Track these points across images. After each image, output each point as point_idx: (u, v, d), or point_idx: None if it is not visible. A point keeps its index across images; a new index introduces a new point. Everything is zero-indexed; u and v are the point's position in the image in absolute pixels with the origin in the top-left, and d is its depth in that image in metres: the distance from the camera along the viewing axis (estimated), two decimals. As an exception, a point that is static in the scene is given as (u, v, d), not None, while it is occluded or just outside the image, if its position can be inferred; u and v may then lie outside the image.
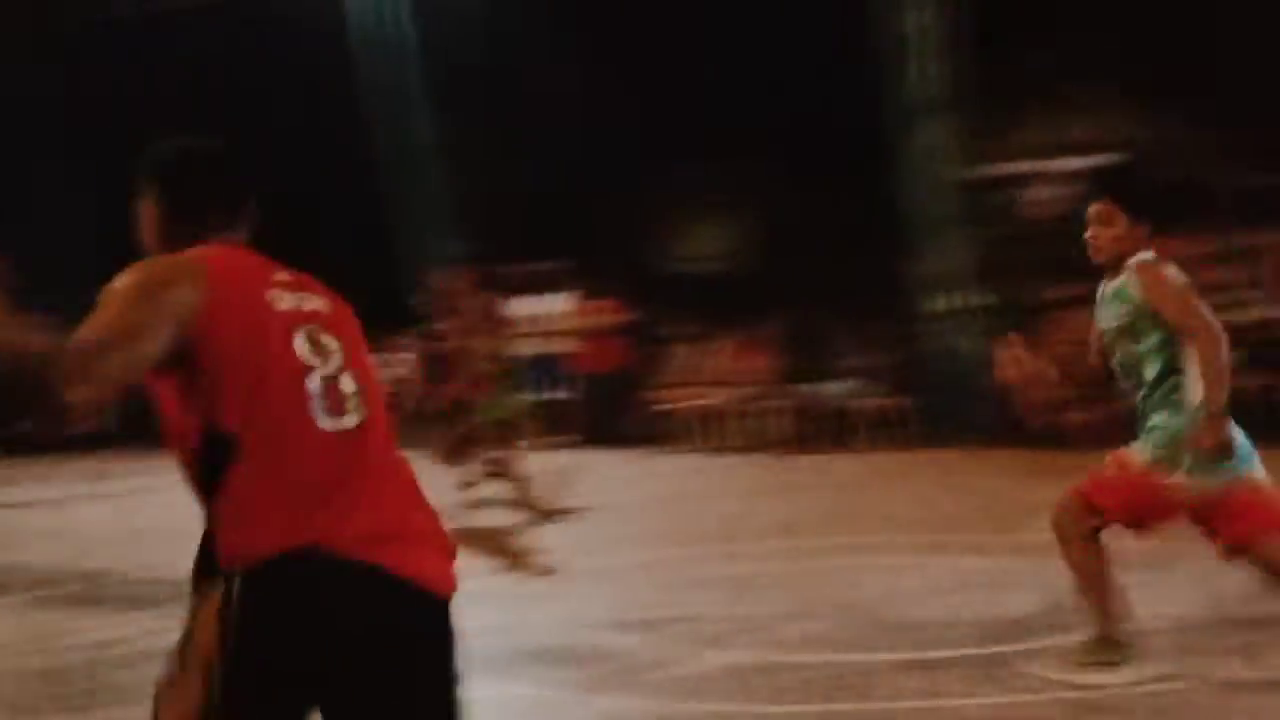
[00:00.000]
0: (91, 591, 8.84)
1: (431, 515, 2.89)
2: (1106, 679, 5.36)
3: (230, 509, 2.69)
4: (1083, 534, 5.40)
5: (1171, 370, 5.31)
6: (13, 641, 7.31)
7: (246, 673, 2.63)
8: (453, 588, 2.84)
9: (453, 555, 2.88)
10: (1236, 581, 6.10)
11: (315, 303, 2.92)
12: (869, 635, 6.43)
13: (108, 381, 2.59)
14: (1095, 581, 5.40)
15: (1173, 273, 5.38)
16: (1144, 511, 5.41)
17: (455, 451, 9.35)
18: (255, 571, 2.64)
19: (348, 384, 2.83)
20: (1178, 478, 5.27)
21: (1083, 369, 5.76)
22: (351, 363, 2.87)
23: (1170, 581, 6.94)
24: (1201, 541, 5.52)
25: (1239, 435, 5.29)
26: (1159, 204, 5.75)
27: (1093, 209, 5.50)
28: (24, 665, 6.70)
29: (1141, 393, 5.40)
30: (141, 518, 12.15)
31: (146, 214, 3.01)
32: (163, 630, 6.71)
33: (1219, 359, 5.20)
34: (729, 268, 18.38)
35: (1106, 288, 5.52)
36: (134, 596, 8.40)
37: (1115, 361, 5.50)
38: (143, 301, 2.68)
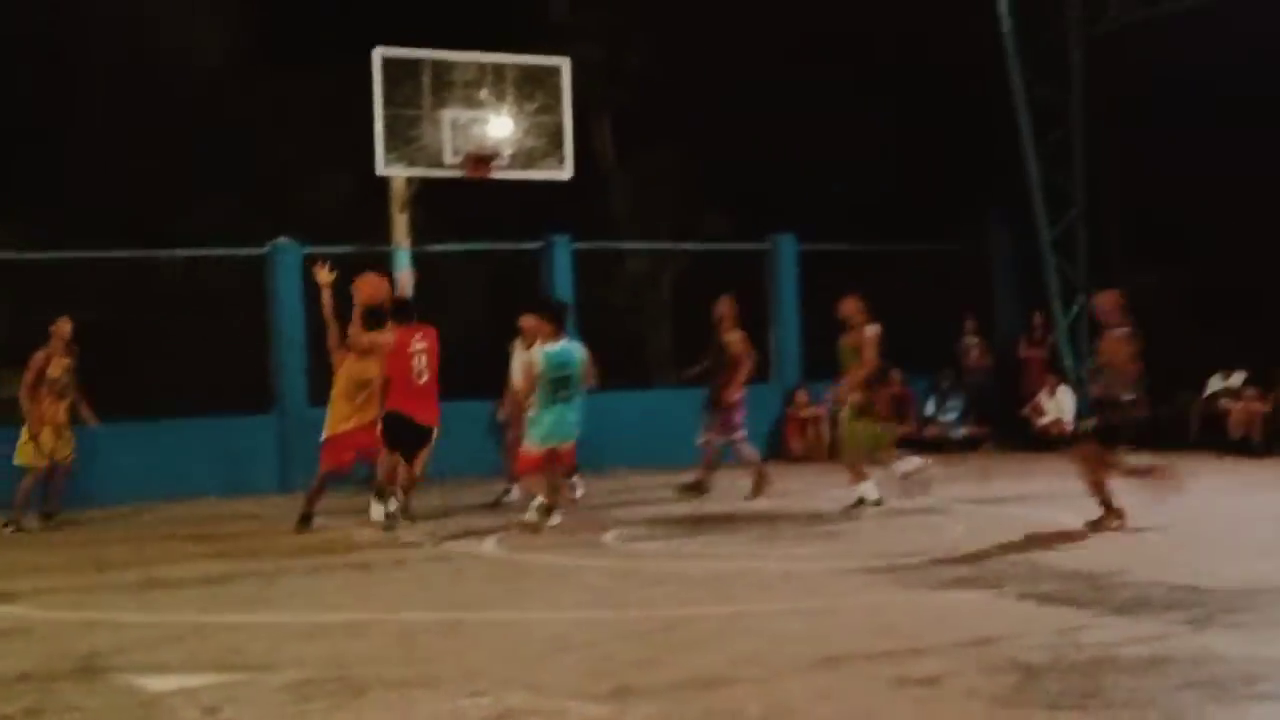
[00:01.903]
0: (1100, 592, 8.91)
1: (435, 408, 12.97)
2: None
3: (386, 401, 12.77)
4: None
5: None
6: (1017, 633, 7.77)
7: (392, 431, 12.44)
8: (434, 424, 12.89)
9: (434, 418, 13.06)
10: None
11: (423, 344, 12.48)
12: None
13: None
14: None
15: None
16: None
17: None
18: (390, 413, 12.40)
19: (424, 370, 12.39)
20: None
21: None
22: (428, 364, 12.28)
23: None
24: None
25: None
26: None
27: None
28: (1026, 659, 7.17)
29: None
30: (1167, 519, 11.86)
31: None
32: (1164, 637, 7.51)
33: None
34: None
35: None
36: (1144, 600, 8.65)
37: None
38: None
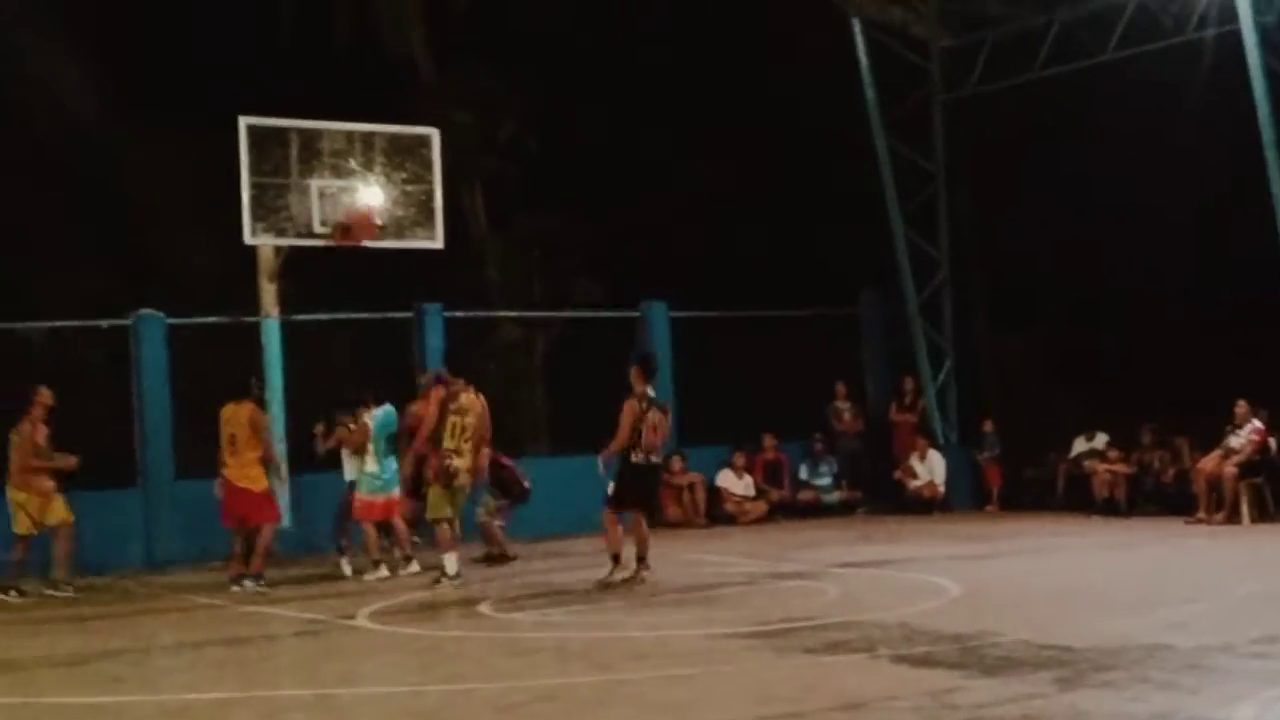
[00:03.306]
0: (971, 654, 8.92)
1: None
2: None
3: None
4: None
5: None
6: (891, 695, 7.86)
7: None
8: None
9: None
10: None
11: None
12: None
13: None
14: None
15: None
16: None
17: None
18: None
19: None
20: None
21: None
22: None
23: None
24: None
25: None
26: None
27: None
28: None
29: None
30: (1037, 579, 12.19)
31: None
32: (1035, 697, 7.54)
33: None
34: None
35: None
36: (1015, 660, 8.65)
37: None
38: None
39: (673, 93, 22.74)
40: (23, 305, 18.03)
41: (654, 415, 13.12)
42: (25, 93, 20.45)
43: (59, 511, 14.27)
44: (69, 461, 14.59)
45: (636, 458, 13.03)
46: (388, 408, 14.71)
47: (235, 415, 13.84)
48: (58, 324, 17.99)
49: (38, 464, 14.19)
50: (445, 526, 13.66)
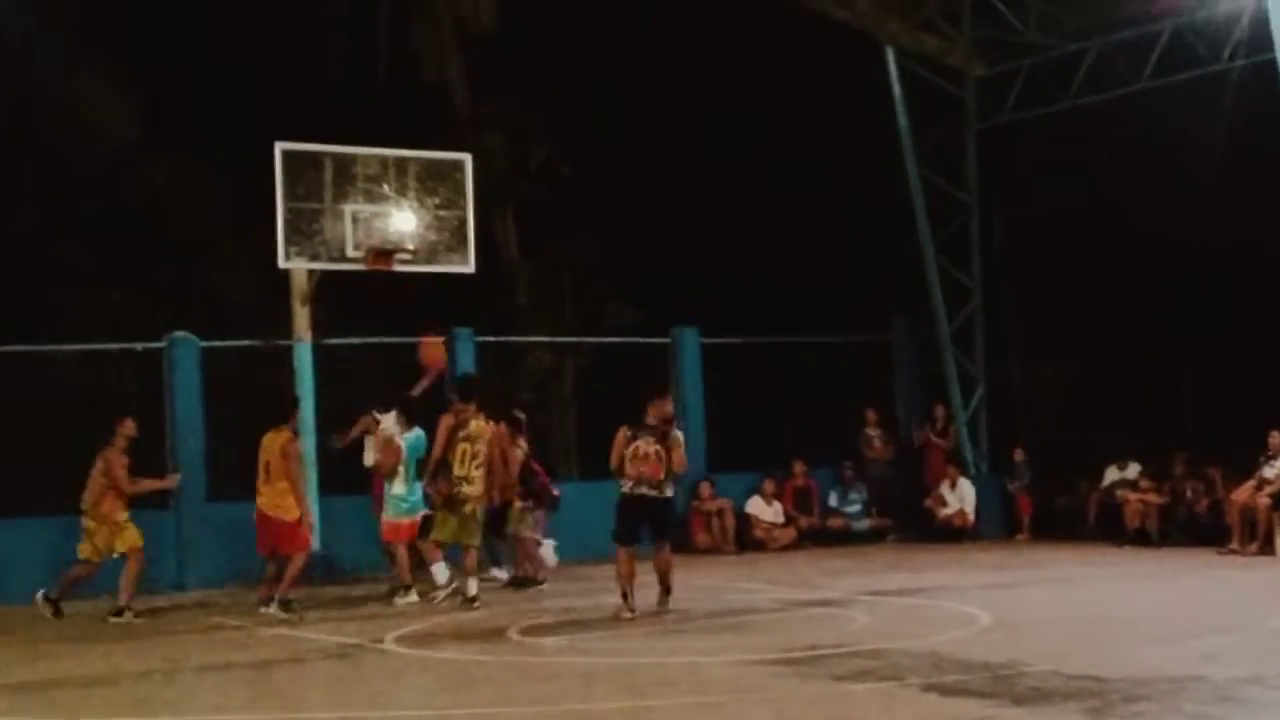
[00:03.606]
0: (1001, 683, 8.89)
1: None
2: None
3: None
4: None
5: None
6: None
7: None
8: None
9: None
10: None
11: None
12: None
13: None
14: None
15: None
16: None
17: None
18: None
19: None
20: None
21: None
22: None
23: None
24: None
25: None
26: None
27: None
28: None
29: None
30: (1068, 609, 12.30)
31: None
32: None
33: None
34: None
35: None
36: (1045, 691, 8.62)
37: None
38: None
39: (705, 119, 22.79)
40: (58, 328, 18.19)
41: (643, 445, 12.87)
42: (63, 118, 20.62)
43: (130, 538, 14.15)
44: (172, 480, 15.21)
45: (624, 487, 12.94)
46: (419, 431, 14.68)
47: (271, 443, 13.86)
48: (92, 346, 18.11)
49: (130, 488, 14.12)
50: (436, 548, 13.98)
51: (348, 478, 15.98)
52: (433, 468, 13.92)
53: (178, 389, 17.23)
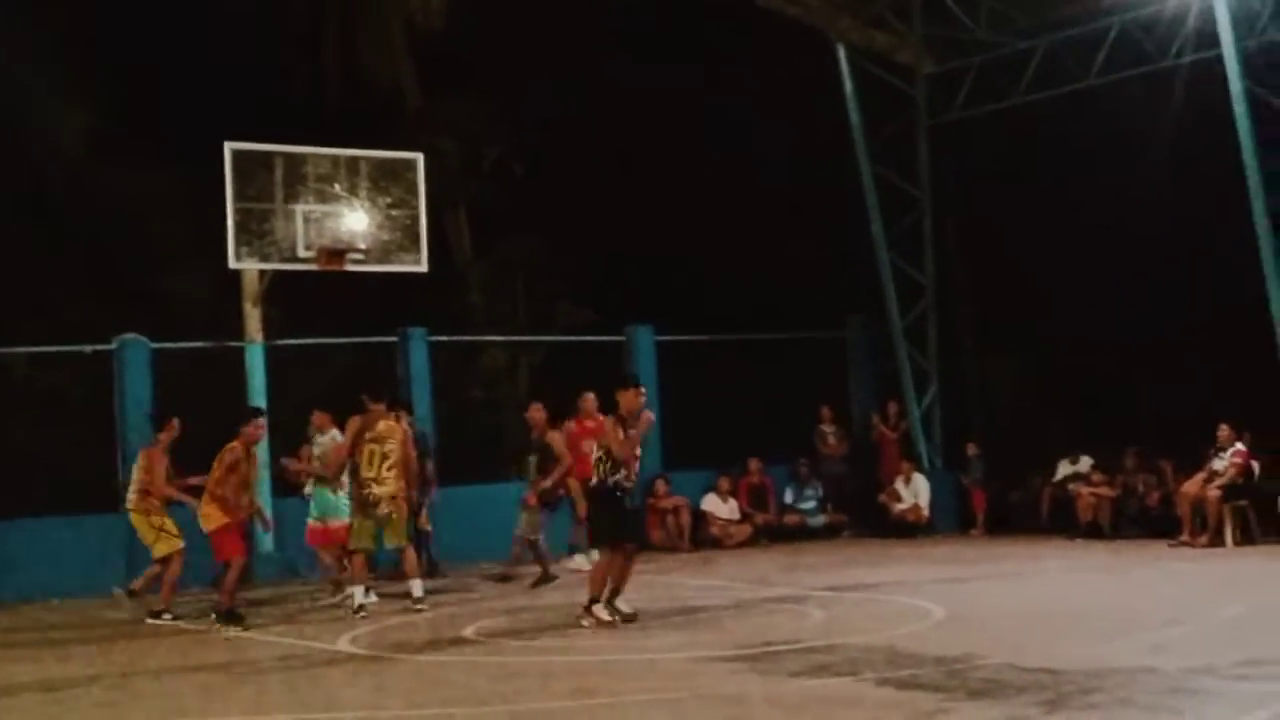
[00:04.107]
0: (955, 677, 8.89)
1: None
2: None
3: None
4: None
5: None
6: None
7: None
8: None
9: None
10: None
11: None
12: None
13: None
14: None
15: None
16: None
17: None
18: None
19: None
20: None
21: None
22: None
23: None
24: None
25: None
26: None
27: None
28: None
29: None
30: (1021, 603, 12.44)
31: None
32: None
33: None
34: None
35: None
36: (999, 683, 8.63)
37: None
38: None
39: (657, 117, 22.79)
40: (9, 332, 18.01)
41: (633, 435, 12.30)
42: (8, 121, 20.42)
43: (171, 542, 13.79)
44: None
45: (616, 477, 12.18)
46: (335, 433, 14.60)
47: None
48: (40, 349, 17.96)
49: (164, 490, 13.74)
50: (361, 558, 13.48)
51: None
52: (335, 471, 13.89)
53: (127, 391, 17.08)
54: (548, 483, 15.48)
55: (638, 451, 12.45)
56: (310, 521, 14.79)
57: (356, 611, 13.14)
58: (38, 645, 12.63)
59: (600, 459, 12.24)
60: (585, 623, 12.00)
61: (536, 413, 15.93)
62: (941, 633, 11.04)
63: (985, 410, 21.95)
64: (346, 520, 13.94)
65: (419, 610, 13.28)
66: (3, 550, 16.12)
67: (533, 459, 15.79)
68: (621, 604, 12.27)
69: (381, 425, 13.46)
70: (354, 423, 13.47)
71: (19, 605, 15.32)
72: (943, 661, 9.55)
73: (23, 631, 13.65)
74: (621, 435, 12.08)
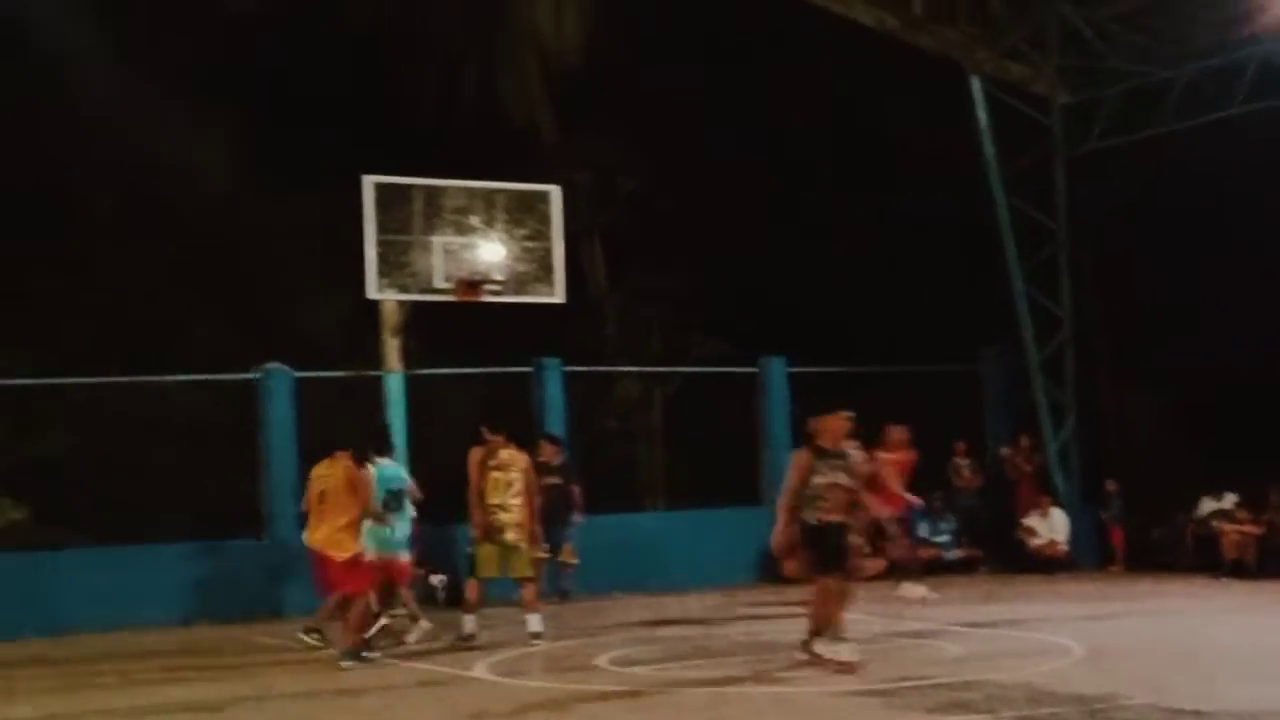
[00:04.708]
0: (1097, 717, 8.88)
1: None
2: None
3: None
4: None
5: None
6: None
7: None
8: None
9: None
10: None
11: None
12: None
13: None
14: None
15: None
16: None
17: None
18: None
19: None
20: None
21: None
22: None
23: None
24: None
25: None
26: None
27: None
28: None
29: None
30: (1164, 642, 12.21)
31: None
32: None
33: None
34: None
35: None
36: None
37: None
38: None
39: (792, 149, 22.80)
40: (155, 361, 18.51)
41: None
42: (152, 154, 21.02)
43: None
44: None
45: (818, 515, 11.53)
46: (386, 461, 14.09)
47: (329, 472, 12.92)
48: (188, 378, 18.41)
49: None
50: (477, 585, 13.41)
51: (456, 504, 15.90)
52: (471, 500, 13.49)
53: (271, 419, 17.43)
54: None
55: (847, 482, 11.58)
56: (367, 556, 13.25)
57: (466, 640, 13.19)
58: (185, 668, 12.89)
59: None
60: (806, 655, 11.40)
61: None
62: (1082, 671, 10.86)
63: (1125, 445, 21.56)
64: (400, 555, 13.69)
65: (535, 645, 13.25)
66: (151, 574, 16.51)
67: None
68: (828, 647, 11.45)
69: (504, 453, 13.53)
70: (475, 453, 13.50)
71: (169, 627, 15.67)
72: (1084, 701, 9.39)
73: (171, 655, 13.95)
74: (805, 466, 11.43)
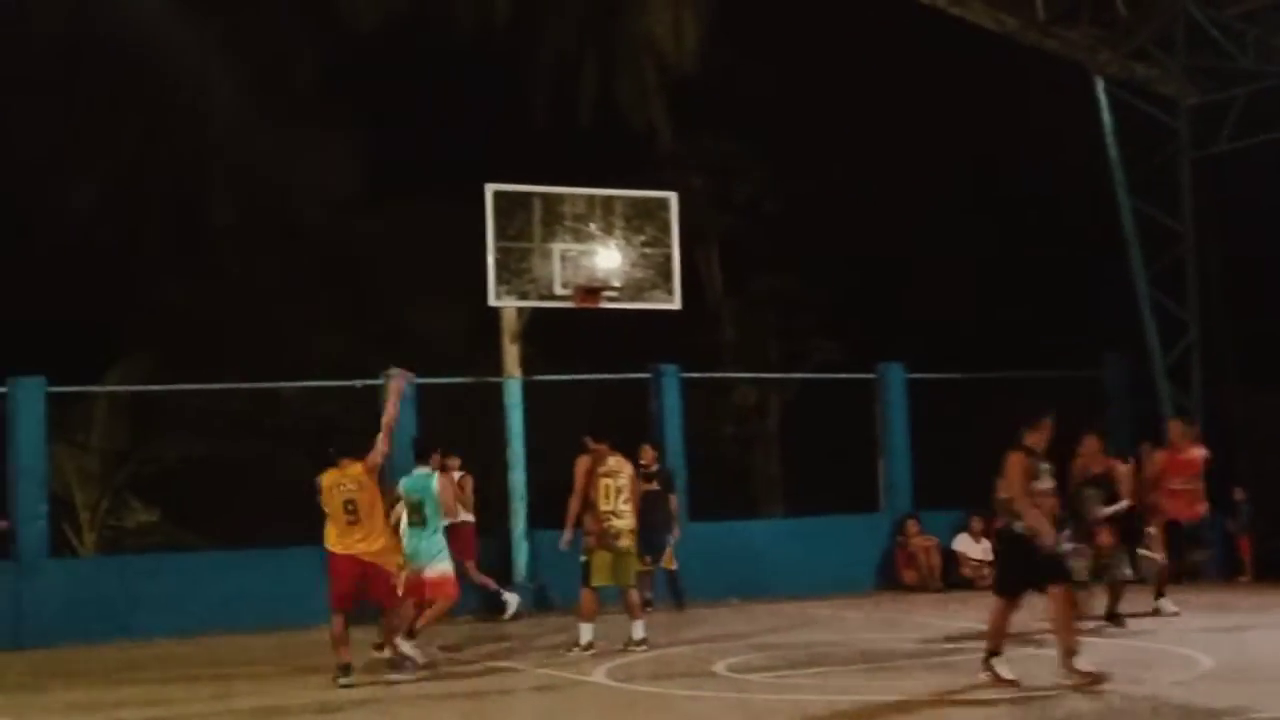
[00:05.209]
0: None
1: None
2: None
3: None
4: None
5: None
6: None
7: None
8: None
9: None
10: None
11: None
12: None
13: None
14: None
15: None
16: None
17: None
18: None
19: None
20: None
21: None
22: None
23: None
24: None
25: None
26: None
27: None
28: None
29: None
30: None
31: None
32: None
33: None
34: None
35: None
36: None
37: None
38: None
39: (909, 154, 22.65)
40: (277, 368, 18.84)
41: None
42: (279, 168, 21.41)
43: None
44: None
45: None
46: (422, 469, 13.34)
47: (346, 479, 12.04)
48: (313, 384, 18.71)
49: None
50: (591, 594, 13.24)
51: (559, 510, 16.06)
52: (576, 510, 13.42)
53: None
54: (1107, 511, 15.10)
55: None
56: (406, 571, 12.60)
57: (586, 649, 13.12)
58: (305, 671, 13.05)
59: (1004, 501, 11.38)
60: (983, 676, 10.77)
61: (1092, 443, 15.68)
62: (1210, 684, 10.65)
63: (1254, 452, 21.09)
64: (440, 568, 12.69)
65: (640, 651, 13.18)
66: (279, 577, 16.72)
67: (1092, 492, 15.40)
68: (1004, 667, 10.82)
69: (612, 460, 13.53)
70: (583, 462, 13.47)
71: (294, 630, 15.86)
72: (1214, 714, 9.23)
73: (293, 657, 14.15)
74: (1028, 468, 11.21)
